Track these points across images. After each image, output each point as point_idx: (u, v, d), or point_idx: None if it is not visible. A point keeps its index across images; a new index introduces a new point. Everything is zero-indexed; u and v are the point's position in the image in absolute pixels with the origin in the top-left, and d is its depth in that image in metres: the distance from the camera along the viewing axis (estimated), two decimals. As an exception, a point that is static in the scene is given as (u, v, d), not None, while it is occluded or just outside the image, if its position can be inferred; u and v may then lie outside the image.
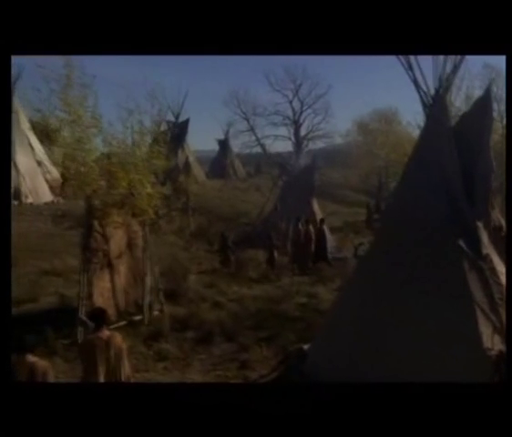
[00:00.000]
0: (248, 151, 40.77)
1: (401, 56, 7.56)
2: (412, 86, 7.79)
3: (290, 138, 34.47)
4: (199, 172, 35.72)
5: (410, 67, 7.71)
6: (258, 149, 38.54)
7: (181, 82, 62.87)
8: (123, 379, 5.85)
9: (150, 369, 8.57)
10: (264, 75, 38.35)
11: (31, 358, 5.17)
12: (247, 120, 35.25)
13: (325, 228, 17.45)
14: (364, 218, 28.42)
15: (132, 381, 6.15)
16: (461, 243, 7.23)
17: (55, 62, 8.07)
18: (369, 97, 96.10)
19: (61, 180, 20.31)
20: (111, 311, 9.29)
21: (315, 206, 21.35)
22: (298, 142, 32.99)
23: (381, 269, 7.72)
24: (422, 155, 8.13)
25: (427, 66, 7.60)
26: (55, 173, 22.03)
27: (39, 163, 22.51)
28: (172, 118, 34.73)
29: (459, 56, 7.42)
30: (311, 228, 17.01)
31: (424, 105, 7.98)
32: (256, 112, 36.07)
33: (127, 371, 5.84)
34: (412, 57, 7.60)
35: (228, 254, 15.51)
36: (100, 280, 8.95)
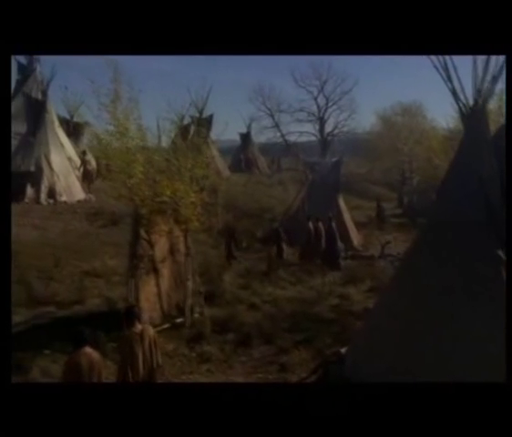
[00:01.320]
0: (271, 147, 40.94)
1: (440, 66, 7.68)
2: (438, 83, 7.83)
3: (315, 135, 34.59)
4: (223, 167, 36.00)
5: (449, 79, 7.85)
6: (281, 145, 38.63)
7: (206, 77, 62.48)
8: (155, 366, 6.57)
9: (194, 371, 8.93)
10: (289, 71, 38.43)
11: (87, 349, 5.87)
12: (272, 116, 35.37)
13: (334, 225, 17.59)
14: (388, 213, 28.45)
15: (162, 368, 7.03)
16: (500, 253, 7.42)
17: (103, 77, 8.42)
18: (394, 92, 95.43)
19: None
20: (156, 314, 9.72)
21: (341, 203, 21.51)
22: (323, 138, 33.03)
23: (423, 273, 7.89)
24: (460, 164, 8.26)
25: (466, 74, 7.71)
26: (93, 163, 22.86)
27: (69, 159, 23.12)
28: (196, 113, 35.05)
29: (498, 67, 7.53)
30: (320, 225, 17.28)
31: (463, 115, 8.10)
32: (281, 108, 36.20)
33: (159, 359, 6.63)
34: (451, 68, 7.72)
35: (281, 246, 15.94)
36: (146, 285, 9.34)
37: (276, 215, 24.52)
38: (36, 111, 20.86)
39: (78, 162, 23.86)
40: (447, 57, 7.79)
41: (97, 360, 5.93)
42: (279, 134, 33.90)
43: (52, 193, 20.18)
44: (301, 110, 37.26)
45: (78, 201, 20.94)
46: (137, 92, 8.38)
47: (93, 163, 23.36)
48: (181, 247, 10.20)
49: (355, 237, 20.94)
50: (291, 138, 33.09)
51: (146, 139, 8.78)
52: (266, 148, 43.69)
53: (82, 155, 24.53)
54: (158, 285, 9.60)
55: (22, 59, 27.77)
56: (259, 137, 43.55)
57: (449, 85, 8.10)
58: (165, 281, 9.85)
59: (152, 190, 8.69)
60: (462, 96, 7.87)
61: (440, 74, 8.05)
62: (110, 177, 8.53)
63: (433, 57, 7.32)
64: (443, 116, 48.00)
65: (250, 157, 41.06)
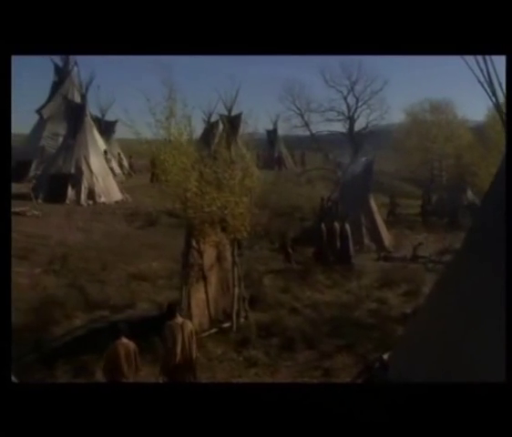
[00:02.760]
0: (297, 144, 41.18)
1: (483, 75, 7.80)
2: (470, 81, 7.91)
3: (344, 134, 34.66)
4: (251, 162, 36.34)
5: (493, 93, 8.01)
6: (307, 141, 38.83)
7: (234, 75, 63.13)
8: (193, 355, 7.51)
9: (243, 375, 9.33)
10: (319, 71, 38.47)
11: (124, 340, 6.96)
12: (301, 116, 35.61)
13: (348, 227, 17.82)
14: (417, 211, 28.42)
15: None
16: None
17: (159, 94, 8.84)
18: (423, 90, 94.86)
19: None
20: (205, 320, 10.16)
21: (372, 203, 21.70)
22: (352, 137, 33.18)
23: (469, 278, 8.07)
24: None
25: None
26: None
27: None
28: (225, 112, 35.56)
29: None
30: (336, 225, 17.56)
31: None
32: (310, 108, 36.37)
33: (196, 350, 7.69)
34: (493, 74, 7.82)
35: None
36: (196, 292, 9.78)
37: (305, 214, 24.78)
38: (76, 114, 21.53)
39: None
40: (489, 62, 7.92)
41: (133, 349, 6.97)
42: (308, 133, 34.08)
43: (91, 194, 20.87)
44: (330, 109, 37.46)
45: (116, 202, 21.60)
46: (190, 109, 8.78)
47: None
48: (228, 254, 10.61)
49: (386, 237, 21.11)
50: (321, 137, 33.21)
51: (198, 153, 9.20)
52: (292, 145, 43.91)
53: (105, 154, 25.19)
54: (206, 292, 10.03)
55: (58, 61, 28.64)
56: (285, 134, 43.84)
57: (493, 99, 8.32)
58: (212, 288, 10.28)
59: (203, 202, 9.10)
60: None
61: (484, 88, 8.25)
62: (168, 192, 8.96)
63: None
64: (473, 113, 47.35)
65: (277, 154, 41.37)
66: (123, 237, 17.05)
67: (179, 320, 7.53)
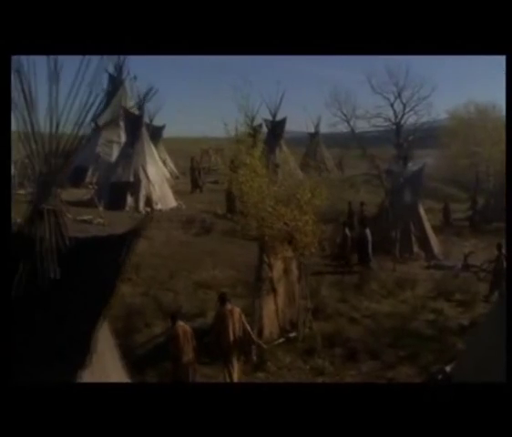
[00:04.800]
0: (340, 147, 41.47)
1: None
2: None
3: (391, 140, 34.76)
4: (294, 167, 36.89)
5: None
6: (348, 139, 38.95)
7: (280, 81, 64.31)
8: (245, 335, 8.89)
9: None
10: (366, 77, 38.49)
11: (181, 322, 8.53)
12: (347, 122, 35.90)
13: (368, 232, 18.10)
14: (463, 216, 28.25)
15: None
16: None
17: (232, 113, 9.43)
18: (470, 94, 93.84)
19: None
20: (275, 330, 10.79)
21: (421, 211, 21.84)
22: (399, 144, 33.26)
23: None
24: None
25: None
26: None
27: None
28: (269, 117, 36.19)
29: None
30: (357, 230, 18.26)
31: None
32: (357, 114, 36.52)
33: (248, 330, 8.99)
34: None
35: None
36: (267, 304, 10.42)
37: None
38: (133, 124, 22.53)
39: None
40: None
41: (189, 331, 8.52)
42: (353, 139, 34.36)
43: (149, 202, 21.83)
44: (377, 116, 37.53)
45: (171, 209, 22.52)
46: (263, 134, 9.36)
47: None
48: (293, 267, 11.21)
49: (435, 245, 21.23)
50: (366, 143, 33.41)
51: (272, 175, 9.86)
52: (335, 149, 44.16)
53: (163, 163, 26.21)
54: (275, 303, 10.66)
55: (112, 70, 29.84)
56: (327, 138, 44.12)
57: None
58: (280, 299, 10.89)
59: (276, 220, 9.71)
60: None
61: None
62: (246, 212, 9.62)
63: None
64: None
65: (319, 157, 41.74)
66: (182, 244, 17.83)
67: (229, 307, 8.95)
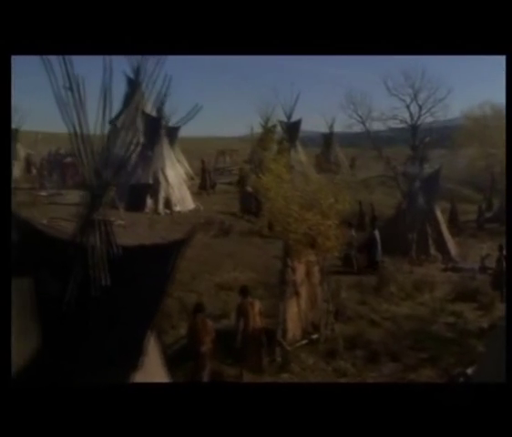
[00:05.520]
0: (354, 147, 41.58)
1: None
2: None
3: (407, 141, 34.82)
4: (309, 168, 37.07)
5: None
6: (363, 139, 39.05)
7: (294, 84, 64.61)
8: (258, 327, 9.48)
9: (335, 384, 10.12)
10: (382, 79, 38.61)
11: (201, 315, 8.96)
12: (363, 124, 36.01)
13: (377, 234, 18.21)
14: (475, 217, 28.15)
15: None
16: None
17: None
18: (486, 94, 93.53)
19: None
20: (298, 332, 11.02)
21: (438, 213, 21.92)
22: (415, 146, 33.31)
23: None
24: None
25: None
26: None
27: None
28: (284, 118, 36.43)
29: None
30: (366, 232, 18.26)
31: None
32: (372, 116, 36.62)
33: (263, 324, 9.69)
34: None
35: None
36: (290, 307, 10.65)
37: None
38: (153, 127, 22.88)
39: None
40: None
41: (209, 323, 9.00)
42: (369, 140, 34.46)
43: (168, 203, 22.16)
44: (393, 118, 37.57)
45: (190, 211, 22.83)
46: (287, 144, 9.60)
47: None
48: (315, 270, 11.42)
49: (452, 247, 21.31)
50: (382, 144, 33.50)
51: (295, 181, 10.11)
52: (350, 150, 44.27)
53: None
54: (298, 306, 10.89)
55: (130, 73, 30.24)
56: (342, 139, 44.29)
57: None
58: (303, 302, 11.12)
59: (300, 225, 9.94)
60: None
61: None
62: (272, 217, 9.87)
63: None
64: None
65: (333, 158, 41.85)
66: (202, 246, 18.07)
67: (249, 300, 9.69)
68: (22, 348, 4.55)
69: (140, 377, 4.47)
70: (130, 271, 4.88)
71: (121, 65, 29.76)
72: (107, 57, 5.03)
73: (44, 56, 4.81)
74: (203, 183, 28.77)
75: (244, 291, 9.85)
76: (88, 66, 5.00)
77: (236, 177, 31.42)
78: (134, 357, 4.35)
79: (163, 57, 5.52)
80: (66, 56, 4.88)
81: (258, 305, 9.75)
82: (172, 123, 26.88)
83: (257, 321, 9.58)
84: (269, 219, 19.02)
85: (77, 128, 4.96)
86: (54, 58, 4.83)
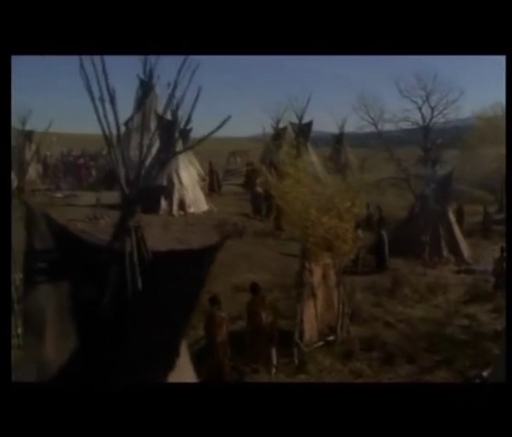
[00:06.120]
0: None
1: None
2: None
3: (418, 143, 34.85)
4: (320, 169, 37.12)
5: None
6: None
7: (306, 85, 64.76)
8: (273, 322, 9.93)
9: (353, 385, 10.27)
10: (394, 81, 38.56)
11: (216, 309, 9.52)
12: (375, 125, 36.05)
13: (384, 234, 18.27)
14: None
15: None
16: None
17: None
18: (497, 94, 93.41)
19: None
20: (314, 334, 11.18)
21: (450, 215, 21.97)
22: (426, 147, 33.32)
23: None
24: None
25: None
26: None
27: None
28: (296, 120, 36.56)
29: None
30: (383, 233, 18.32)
31: None
32: (384, 118, 36.63)
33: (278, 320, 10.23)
34: None
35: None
36: (307, 309, 10.82)
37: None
38: (167, 130, 23.06)
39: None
40: None
41: (224, 316, 9.65)
42: (380, 142, 34.55)
43: (182, 205, 22.40)
44: (405, 120, 37.58)
45: (203, 212, 23.06)
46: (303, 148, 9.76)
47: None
48: (331, 273, 11.58)
49: (465, 249, 21.32)
50: (393, 146, 33.53)
51: (313, 185, 10.29)
52: (361, 152, 44.31)
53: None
54: (315, 308, 11.06)
55: (142, 76, 30.53)
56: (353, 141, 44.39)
57: None
58: (319, 304, 11.29)
59: (317, 228, 10.10)
60: None
61: None
62: (291, 221, 10.06)
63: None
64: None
65: (343, 160, 41.89)
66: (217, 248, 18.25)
67: (261, 296, 10.18)
68: (61, 350, 4.76)
69: (173, 377, 4.67)
70: (162, 276, 5.07)
71: (134, 67, 30.07)
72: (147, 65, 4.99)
73: (81, 70, 4.99)
74: (212, 184, 29.02)
75: (254, 289, 10.15)
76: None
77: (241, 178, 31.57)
78: (169, 358, 4.54)
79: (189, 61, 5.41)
80: (103, 69, 5.03)
81: (268, 299, 10.25)
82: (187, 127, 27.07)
83: (269, 317, 9.91)
84: (275, 219, 19.37)
85: (114, 140, 5.15)
86: (91, 71, 5.01)
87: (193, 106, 5.15)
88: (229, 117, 5.40)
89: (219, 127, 5.14)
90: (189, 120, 7.83)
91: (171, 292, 4.90)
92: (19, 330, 7.96)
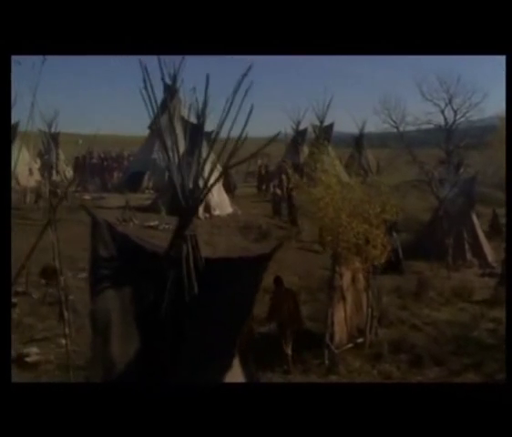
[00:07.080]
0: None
1: None
2: None
3: (441, 147, 34.75)
4: (342, 172, 37.25)
5: None
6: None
7: (328, 87, 64.65)
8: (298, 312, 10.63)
9: (382, 386, 10.52)
10: (416, 84, 38.38)
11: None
12: (397, 128, 36.05)
13: (395, 235, 18.21)
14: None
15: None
16: None
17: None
18: None
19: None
20: (344, 336, 11.46)
21: (474, 219, 22.00)
22: (449, 150, 33.25)
23: None
24: None
25: None
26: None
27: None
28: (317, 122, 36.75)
29: None
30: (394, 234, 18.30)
31: None
32: (406, 121, 36.54)
33: (301, 315, 10.89)
34: None
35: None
36: (337, 311, 11.10)
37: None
38: (193, 133, 23.43)
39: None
40: None
41: (293, 295, 10.74)
42: (402, 144, 34.51)
43: (207, 208, 22.73)
44: (427, 123, 37.51)
45: (228, 215, 23.41)
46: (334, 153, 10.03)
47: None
48: (360, 277, 11.85)
49: (489, 253, 21.34)
50: (416, 149, 33.46)
51: (342, 191, 10.59)
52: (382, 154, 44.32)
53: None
54: (345, 310, 11.33)
55: (167, 79, 30.94)
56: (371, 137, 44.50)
57: None
58: (349, 307, 11.56)
59: (348, 233, 10.38)
60: None
61: None
62: (323, 227, 10.35)
63: None
64: None
65: (364, 161, 42.00)
66: (243, 250, 18.59)
67: (284, 288, 10.69)
68: (124, 352, 5.13)
69: (231, 376, 5.01)
70: (217, 280, 5.42)
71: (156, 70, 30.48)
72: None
73: (143, 90, 5.33)
74: (228, 186, 29.25)
75: (278, 281, 10.59)
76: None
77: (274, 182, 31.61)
78: (226, 358, 4.87)
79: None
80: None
81: (292, 293, 10.82)
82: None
83: (291, 308, 10.43)
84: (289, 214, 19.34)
85: (171, 155, 5.50)
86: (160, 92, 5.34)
87: (246, 123, 5.47)
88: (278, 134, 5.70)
89: (269, 142, 5.46)
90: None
91: (227, 297, 5.24)
92: (67, 331, 8.40)
